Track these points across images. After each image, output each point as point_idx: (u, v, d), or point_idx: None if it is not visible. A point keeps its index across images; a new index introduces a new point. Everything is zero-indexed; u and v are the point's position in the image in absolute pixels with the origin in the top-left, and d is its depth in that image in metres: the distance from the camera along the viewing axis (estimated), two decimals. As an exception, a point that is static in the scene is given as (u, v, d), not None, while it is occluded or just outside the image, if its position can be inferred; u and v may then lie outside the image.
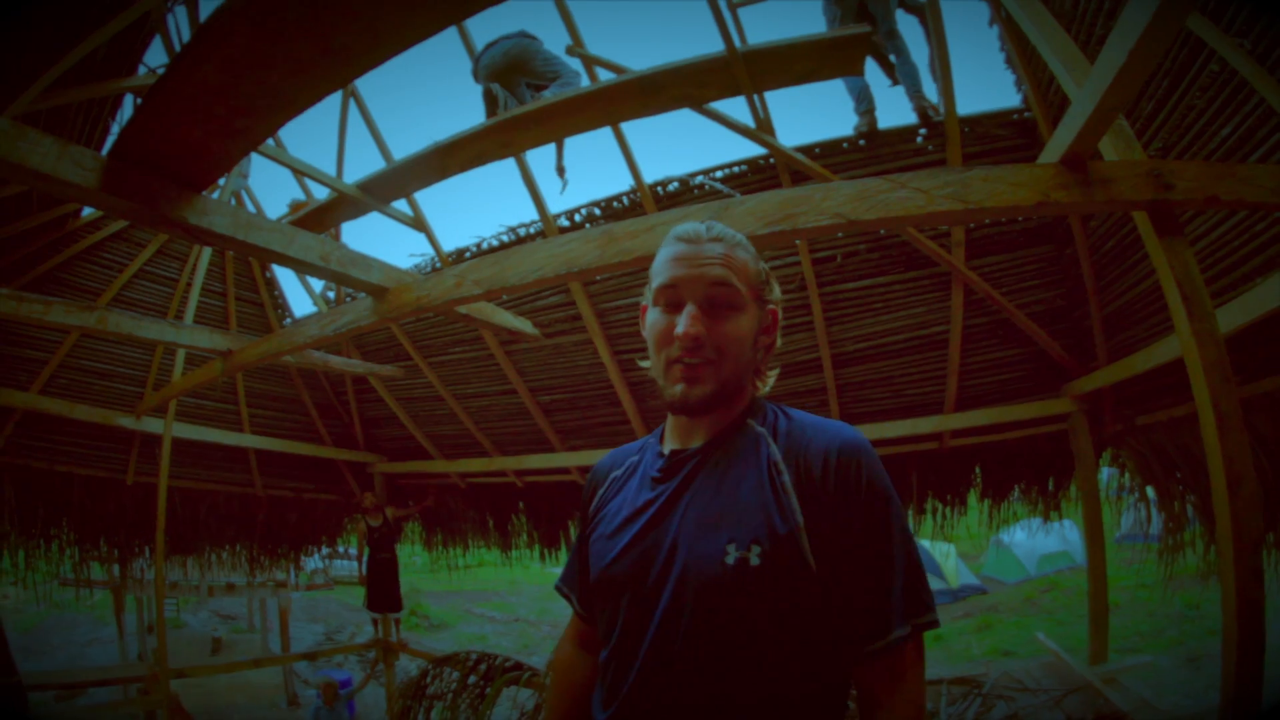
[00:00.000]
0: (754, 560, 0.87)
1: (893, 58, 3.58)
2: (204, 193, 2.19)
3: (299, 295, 13.96)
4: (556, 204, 4.49)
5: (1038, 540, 11.56)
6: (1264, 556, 2.55)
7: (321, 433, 6.78)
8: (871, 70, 3.69)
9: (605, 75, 3.76)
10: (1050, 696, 3.59)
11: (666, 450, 1.06)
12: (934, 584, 12.16)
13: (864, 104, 3.67)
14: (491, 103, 3.85)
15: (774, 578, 0.87)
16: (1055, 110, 3.38)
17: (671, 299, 0.99)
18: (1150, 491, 4.31)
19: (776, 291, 1.08)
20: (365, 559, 6.66)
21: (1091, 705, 3.40)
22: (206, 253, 5.44)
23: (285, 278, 6.18)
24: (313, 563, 8.65)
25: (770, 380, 1.10)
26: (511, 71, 3.88)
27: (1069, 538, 12.80)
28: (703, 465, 1.00)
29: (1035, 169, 1.94)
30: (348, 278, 2.78)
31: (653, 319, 1.02)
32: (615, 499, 1.10)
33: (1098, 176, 1.93)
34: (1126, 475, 4.53)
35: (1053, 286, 4.05)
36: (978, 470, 5.25)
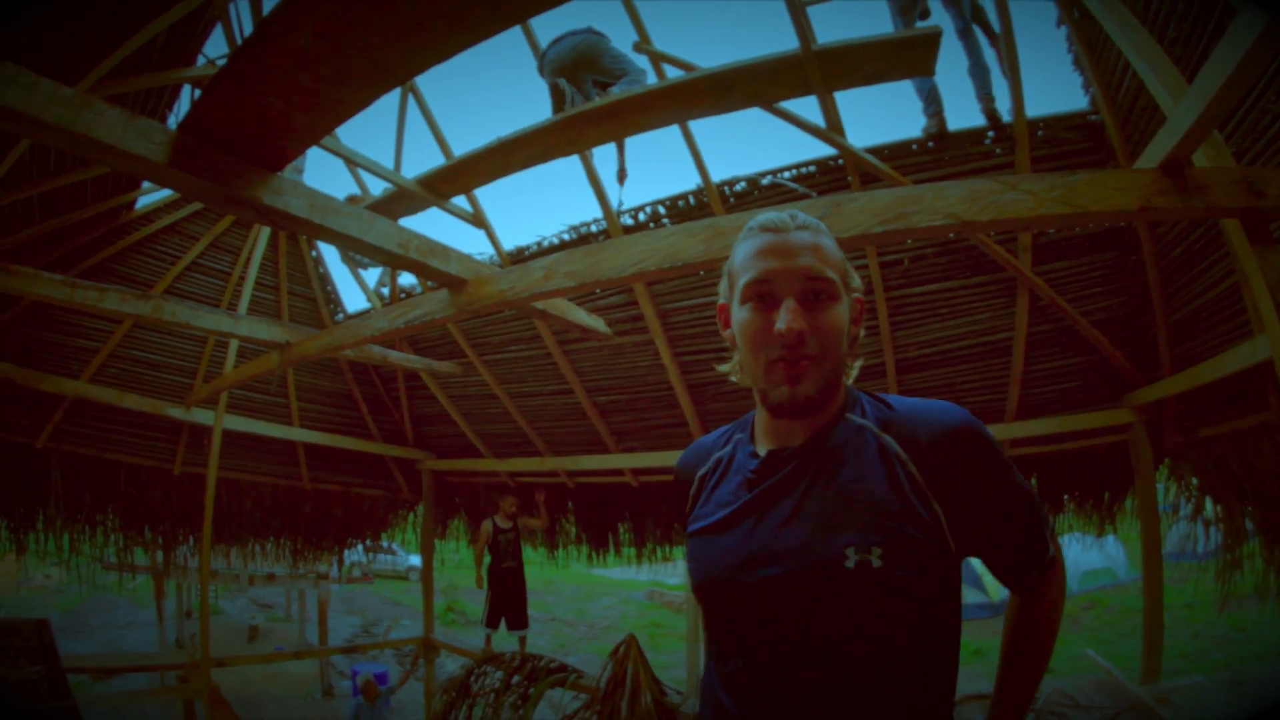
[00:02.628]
0: (876, 562, 0.86)
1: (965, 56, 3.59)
2: (281, 173, 2.12)
3: (349, 290, 14.17)
4: (618, 204, 4.48)
5: (1082, 556, 11.36)
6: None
7: (371, 428, 6.85)
8: (941, 71, 3.69)
9: (673, 73, 3.75)
10: (1104, 714, 3.52)
11: (761, 451, 1.02)
12: (975, 597, 12.00)
13: (933, 106, 3.66)
14: (558, 98, 3.87)
15: (901, 577, 0.86)
16: (1124, 112, 3.32)
17: (765, 293, 0.95)
18: (1209, 505, 4.21)
19: (857, 279, 1.04)
20: (485, 568, 6.30)
21: (1148, 723, 3.33)
22: (260, 246, 5.56)
23: (337, 273, 6.30)
24: (353, 556, 8.76)
25: (855, 370, 1.06)
26: (578, 68, 3.91)
27: (1112, 554, 12.58)
28: (808, 465, 0.96)
29: (1137, 174, 1.93)
30: (426, 267, 2.70)
31: (743, 318, 0.97)
32: (711, 499, 1.06)
33: (1194, 183, 1.91)
34: (1180, 489, 4.44)
35: (1118, 293, 3.98)
36: (1034, 481, 5.16)
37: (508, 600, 6.20)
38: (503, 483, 6.96)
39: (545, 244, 4.94)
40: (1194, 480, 4.21)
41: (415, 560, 16.26)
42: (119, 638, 11.89)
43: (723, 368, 1.10)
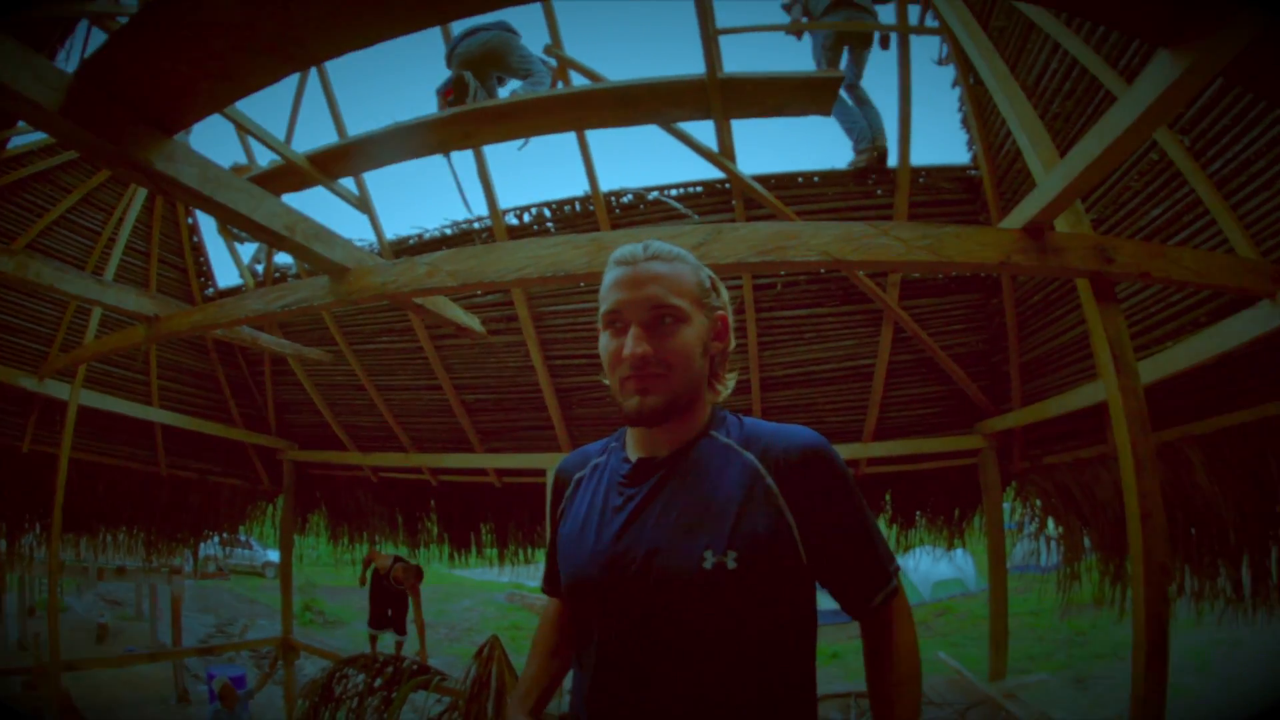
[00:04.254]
0: (730, 564, 0.94)
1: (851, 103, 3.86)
2: (174, 137, 1.97)
3: (221, 261, 13.11)
4: (504, 196, 4.40)
5: (933, 567, 12.34)
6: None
7: (233, 413, 6.39)
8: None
9: (579, 81, 3.80)
10: (955, 709, 3.88)
11: (633, 458, 1.10)
12: (833, 604, 12.73)
13: (864, 142, 3.88)
14: (461, 91, 3.82)
15: (753, 579, 0.95)
16: (1002, 172, 3.69)
17: (616, 320, 1.05)
18: (1051, 524, 4.74)
19: (724, 296, 1.14)
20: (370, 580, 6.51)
21: (994, 718, 3.71)
22: (136, 207, 5.09)
23: (209, 243, 5.79)
24: (207, 549, 8.08)
25: (730, 385, 1.15)
26: (485, 63, 3.86)
27: (962, 566, 13.67)
28: (673, 474, 1.05)
29: (1001, 233, 2.16)
30: (311, 252, 2.61)
31: (603, 343, 1.07)
32: (583, 503, 1.13)
33: (1052, 245, 2.16)
34: (1025, 509, 4.98)
35: (977, 331, 4.40)
36: (888, 496, 5.61)
37: (390, 601, 6.06)
38: (367, 478, 6.78)
39: (426, 237, 4.84)
40: (1037, 502, 4.73)
41: (273, 555, 15.35)
42: (-52, 639, 10.43)
43: (607, 380, 1.17)
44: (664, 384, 1.02)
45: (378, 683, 4.41)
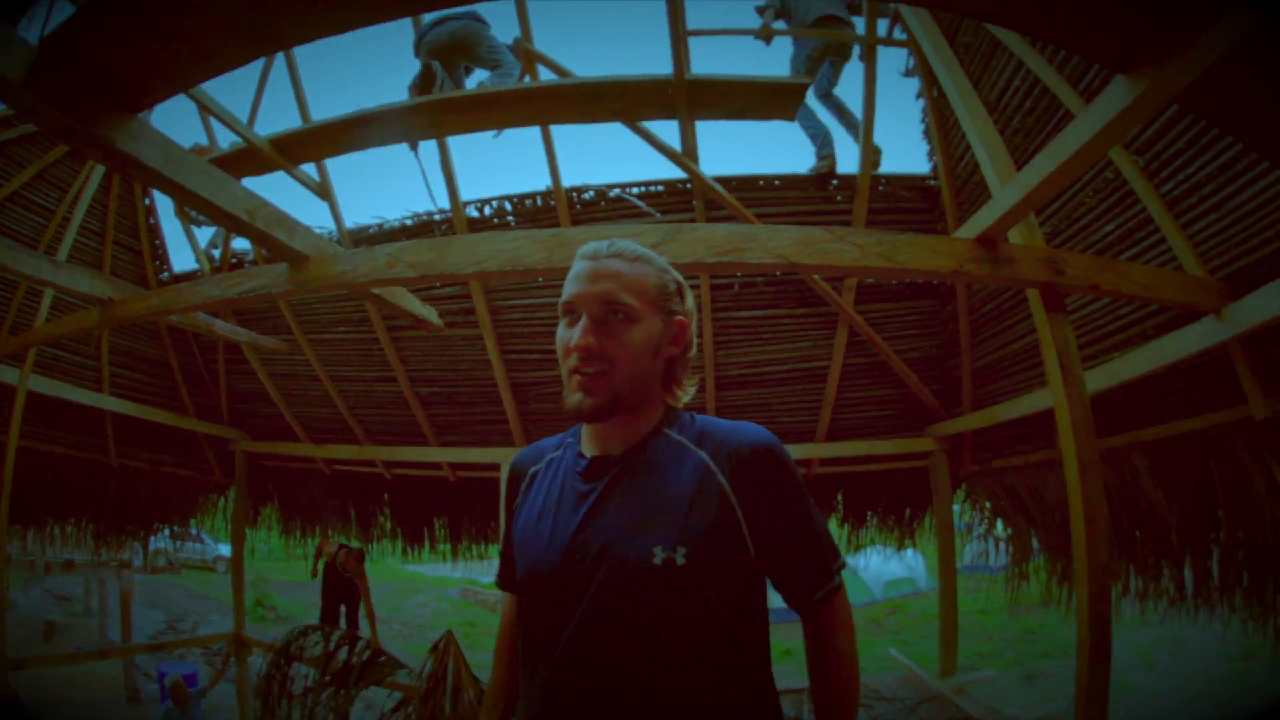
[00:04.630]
0: (680, 560, 0.96)
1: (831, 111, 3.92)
2: (140, 115, 1.92)
3: (176, 243, 12.73)
4: (468, 188, 4.37)
5: (885, 566, 12.58)
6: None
7: (186, 402, 6.21)
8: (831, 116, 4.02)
9: (546, 76, 3.77)
10: (906, 705, 3.98)
11: (588, 454, 1.12)
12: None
13: (827, 148, 3.94)
14: (428, 80, 3.79)
15: (702, 574, 0.97)
16: (960, 183, 3.78)
17: (570, 312, 1.06)
18: (1000, 526, 4.89)
19: (688, 302, 1.15)
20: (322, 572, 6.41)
21: (945, 713, 3.81)
22: (92, 185, 4.93)
23: (165, 225, 5.63)
24: (157, 543, 7.82)
25: (690, 391, 1.16)
26: (454, 53, 3.86)
27: (913, 566, 13.96)
28: (626, 471, 1.06)
29: (955, 242, 2.22)
30: (271, 239, 2.56)
31: (558, 332, 1.09)
32: (538, 497, 1.14)
33: (1004, 256, 2.23)
34: (974, 511, 5.13)
35: (930, 337, 4.52)
36: (840, 496, 5.72)
37: (342, 592, 6.01)
38: (320, 470, 6.64)
39: (386, 227, 4.79)
40: (986, 504, 4.87)
41: (224, 549, 14.91)
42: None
43: None
44: (604, 383, 1.03)
45: (339, 655, 4.35)
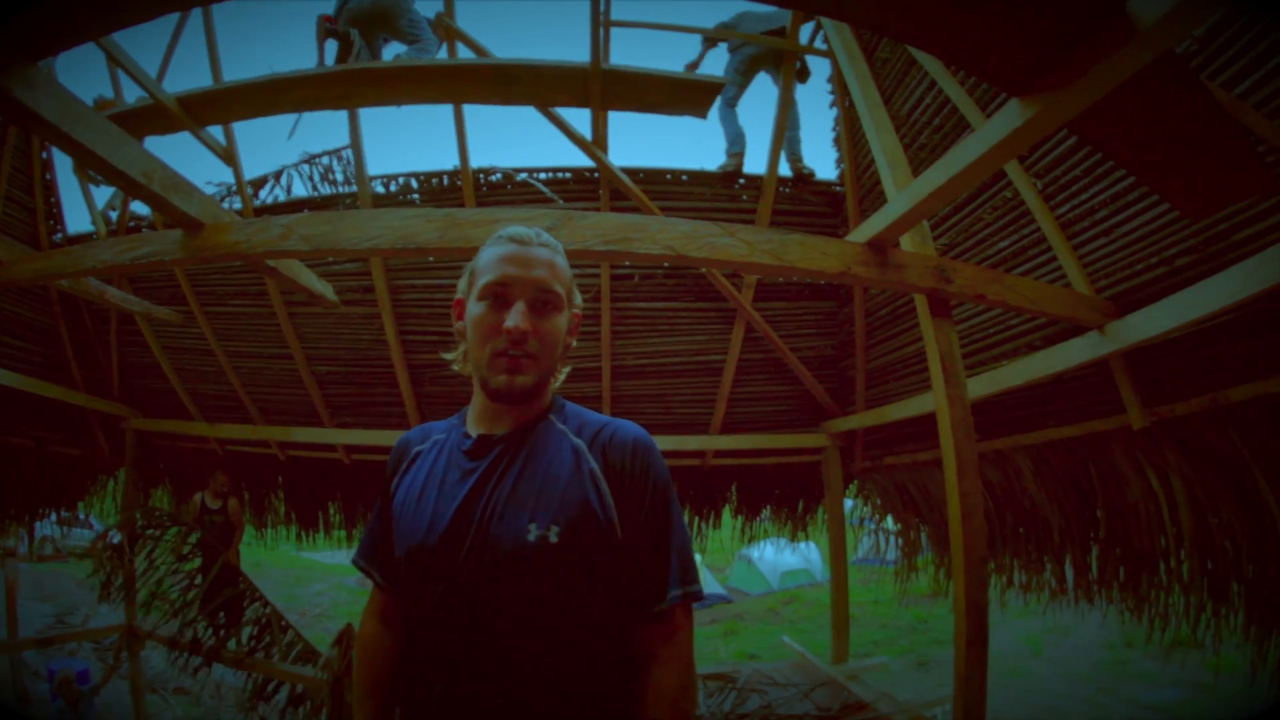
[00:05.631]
0: (553, 538, 1.00)
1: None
2: (39, 64, 1.80)
3: (73, 203, 11.73)
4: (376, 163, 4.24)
5: (781, 557, 13.01)
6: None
7: (75, 375, 5.76)
8: (744, 118, 4.10)
9: (465, 54, 3.69)
10: (800, 690, 4.14)
11: (474, 434, 1.14)
12: (712, 588, 13.36)
13: (737, 146, 4.03)
14: (345, 49, 3.69)
15: (573, 553, 1.01)
16: (865, 190, 3.95)
17: (500, 294, 1.08)
18: (889, 520, 5.15)
19: (579, 299, 1.22)
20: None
21: (837, 697, 3.99)
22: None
23: (63, 181, 5.19)
24: (44, 529, 7.22)
25: (563, 375, 1.22)
26: (374, 23, 3.78)
27: (809, 557, 14.42)
28: (510, 450, 1.10)
29: (845, 245, 2.32)
30: (166, 203, 2.43)
31: (477, 313, 1.09)
32: (420, 474, 1.15)
33: (894, 261, 2.35)
34: (868, 506, 5.38)
35: (827, 337, 4.71)
36: (734, 489, 5.87)
37: (225, 584, 5.66)
38: (213, 451, 6.27)
39: (292, 197, 4.61)
40: (877, 499, 5.12)
41: (114, 535, 14.06)
42: None
43: (448, 355, 1.21)
44: (534, 365, 1.07)
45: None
